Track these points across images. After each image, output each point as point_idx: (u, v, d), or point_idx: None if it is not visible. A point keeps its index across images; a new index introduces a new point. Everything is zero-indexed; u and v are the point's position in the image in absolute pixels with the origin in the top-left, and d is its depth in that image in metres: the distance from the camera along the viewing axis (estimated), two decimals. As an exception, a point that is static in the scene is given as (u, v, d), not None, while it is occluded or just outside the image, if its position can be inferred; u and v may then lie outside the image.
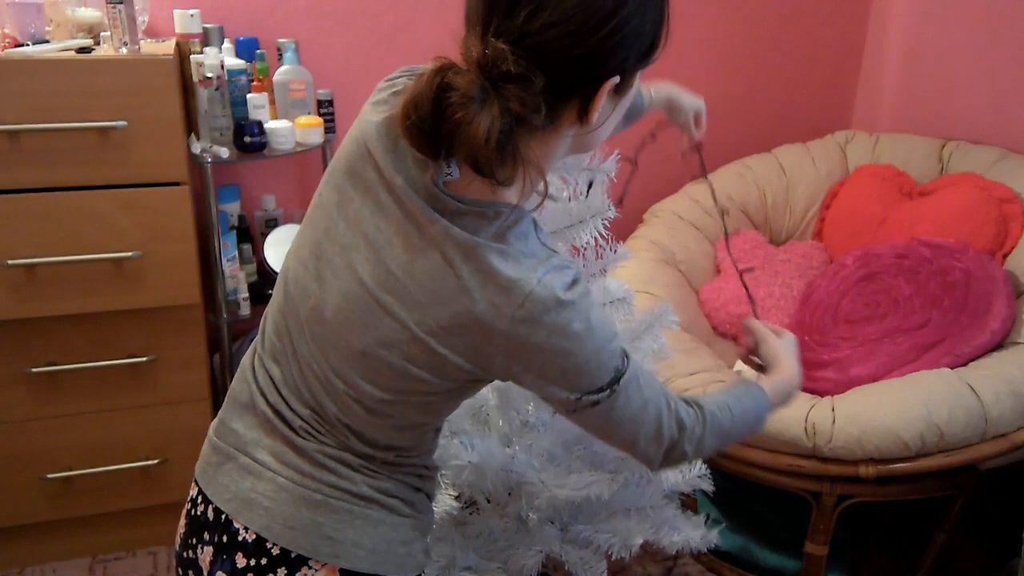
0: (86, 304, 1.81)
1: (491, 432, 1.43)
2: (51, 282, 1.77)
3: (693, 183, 2.45)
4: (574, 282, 0.83)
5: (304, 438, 0.93)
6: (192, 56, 1.91)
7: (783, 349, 1.18)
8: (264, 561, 0.91)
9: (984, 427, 1.66)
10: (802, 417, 1.69)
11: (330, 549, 0.91)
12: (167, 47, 1.85)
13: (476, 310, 0.81)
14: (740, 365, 2.09)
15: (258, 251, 2.23)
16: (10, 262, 1.73)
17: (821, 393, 1.87)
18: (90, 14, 1.86)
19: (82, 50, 1.73)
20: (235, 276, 2.07)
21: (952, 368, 1.79)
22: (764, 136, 2.70)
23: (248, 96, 1.99)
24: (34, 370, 1.84)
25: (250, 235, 2.22)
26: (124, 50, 1.74)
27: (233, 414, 0.98)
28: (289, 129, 2.02)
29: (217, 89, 1.93)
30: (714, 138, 2.68)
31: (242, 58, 2.03)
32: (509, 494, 1.43)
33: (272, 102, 2.08)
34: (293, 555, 0.91)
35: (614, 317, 1.36)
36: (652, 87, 1.32)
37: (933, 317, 1.91)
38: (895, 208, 2.30)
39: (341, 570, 0.92)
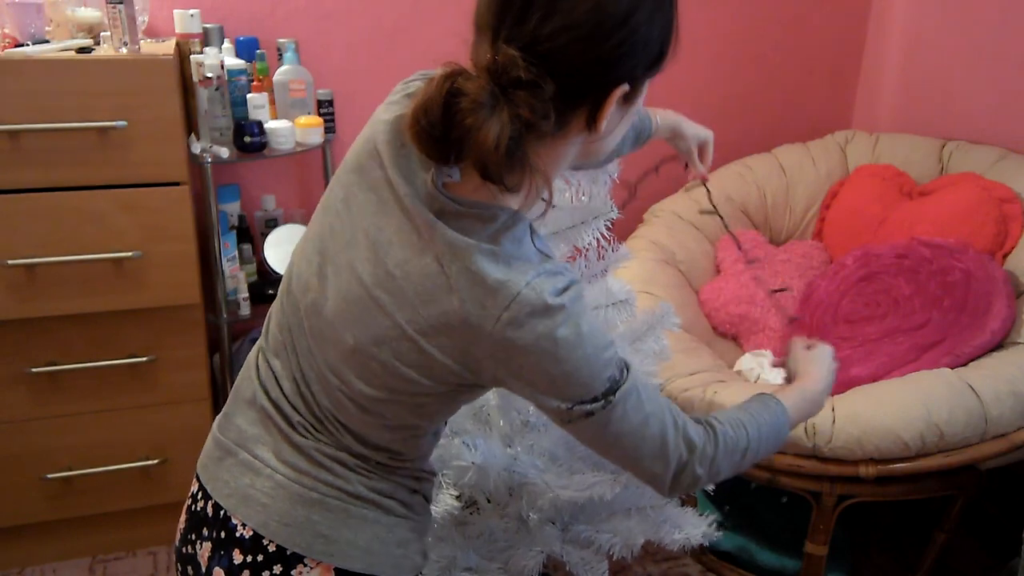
0: (86, 304, 1.81)
1: (492, 432, 1.43)
2: (51, 282, 1.77)
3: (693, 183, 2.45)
4: (566, 288, 0.82)
5: (302, 435, 0.94)
6: (192, 56, 1.91)
7: (811, 360, 1.15)
8: (260, 558, 0.92)
9: (984, 427, 1.66)
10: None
11: (324, 547, 0.92)
12: (167, 47, 1.85)
13: (463, 310, 0.81)
14: (739, 364, 2.09)
15: (258, 251, 2.23)
16: (10, 262, 1.72)
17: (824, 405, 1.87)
18: (90, 14, 1.86)
19: (82, 50, 1.73)
20: (235, 276, 2.07)
21: (952, 368, 1.79)
22: (764, 136, 2.70)
23: (248, 96, 1.99)
24: (34, 370, 1.84)
25: (250, 235, 2.22)
26: (124, 50, 1.74)
27: (236, 409, 0.99)
28: (289, 129, 2.02)
29: (217, 89, 1.93)
30: (714, 138, 2.69)
31: (242, 58, 2.03)
32: (510, 494, 1.43)
33: (272, 102, 2.08)
34: (288, 552, 0.92)
35: (616, 318, 1.36)
36: (659, 114, 1.32)
37: (933, 317, 1.91)
38: (895, 208, 2.30)
39: (336, 569, 0.92)
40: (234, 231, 2.16)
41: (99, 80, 1.68)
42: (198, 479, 1.00)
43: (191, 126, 1.96)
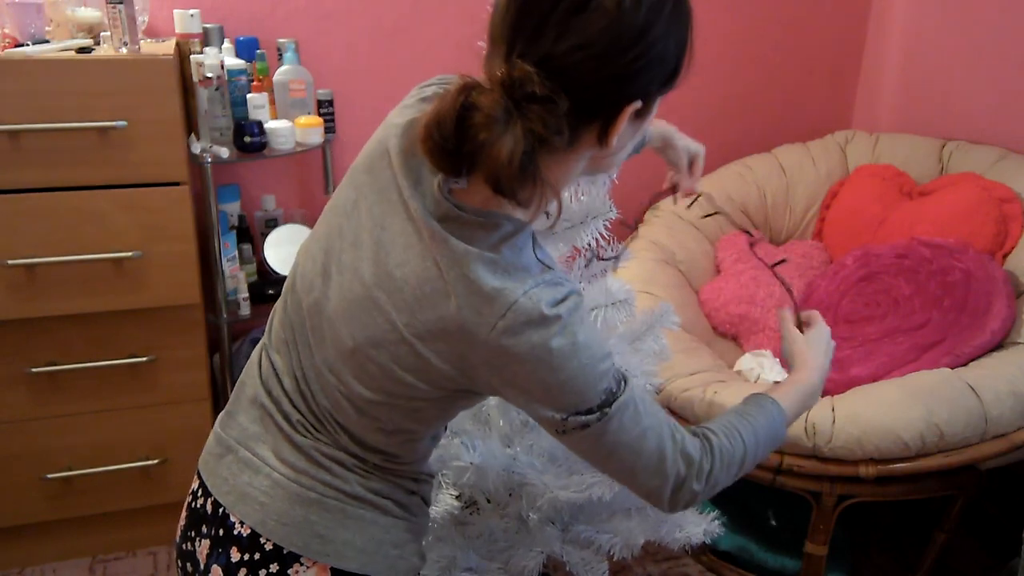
0: (86, 304, 1.81)
1: (492, 432, 1.43)
2: (51, 282, 1.77)
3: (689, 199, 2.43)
4: (564, 299, 0.82)
5: (302, 434, 0.94)
6: (192, 56, 1.91)
7: (807, 346, 1.12)
8: (257, 556, 0.92)
9: (984, 427, 1.66)
10: (802, 417, 1.69)
11: (321, 547, 0.92)
12: (167, 47, 1.85)
13: (460, 316, 0.81)
14: (739, 364, 2.09)
15: (258, 251, 2.23)
16: (10, 262, 1.72)
17: (821, 393, 1.87)
18: (90, 14, 1.86)
19: (82, 50, 1.73)
20: (235, 276, 2.07)
21: (952, 368, 1.79)
22: (764, 136, 2.70)
23: (248, 96, 1.99)
24: (34, 370, 1.84)
25: (250, 235, 2.22)
26: (124, 50, 1.74)
27: (238, 407, 0.99)
28: (289, 129, 2.02)
29: (217, 89, 1.93)
30: (714, 138, 2.69)
31: (242, 58, 2.03)
32: (510, 495, 1.43)
33: (272, 102, 2.08)
34: (285, 551, 0.92)
35: (615, 318, 1.36)
36: (652, 124, 1.31)
37: (933, 317, 1.91)
38: (895, 208, 2.30)
39: (332, 569, 0.93)
40: (234, 231, 2.16)
41: (99, 80, 1.68)
42: (199, 476, 1.00)
43: (191, 126, 1.96)
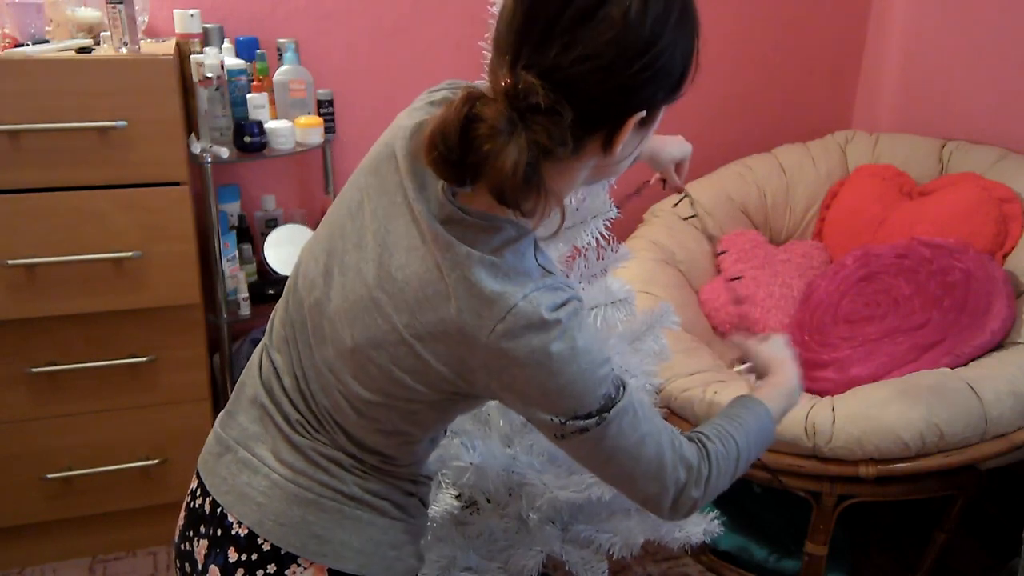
0: (86, 304, 1.81)
1: (492, 432, 1.43)
2: (51, 282, 1.77)
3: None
4: (564, 304, 0.82)
5: (300, 434, 0.94)
6: (192, 56, 1.91)
7: (774, 353, 1.15)
8: (255, 556, 0.92)
9: (984, 427, 1.66)
10: (802, 417, 1.69)
11: (318, 548, 0.92)
12: (167, 47, 1.85)
13: (460, 319, 0.81)
14: (740, 366, 2.09)
15: (258, 251, 2.23)
16: (10, 262, 1.72)
17: (821, 393, 1.87)
18: (90, 14, 1.86)
19: (82, 50, 1.73)
20: (235, 276, 2.07)
21: (952, 368, 1.79)
22: (764, 136, 2.70)
23: (248, 96, 1.99)
24: (34, 370, 1.84)
25: (250, 235, 2.22)
26: (124, 50, 1.74)
27: (238, 407, 0.99)
28: (289, 129, 2.02)
29: (217, 89, 1.93)
30: (714, 138, 2.69)
31: (242, 58, 2.03)
32: (510, 494, 1.43)
33: (272, 102, 2.08)
34: (282, 552, 0.92)
35: (615, 318, 1.36)
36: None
37: (933, 317, 1.91)
38: (895, 208, 2.30)
39: (329, 570, 0.93)
40: (234, 231, 2.16)
41: (99, 80, 1.68)
42: (198, 476, 1.00)
43: (191, 126, 1.96)
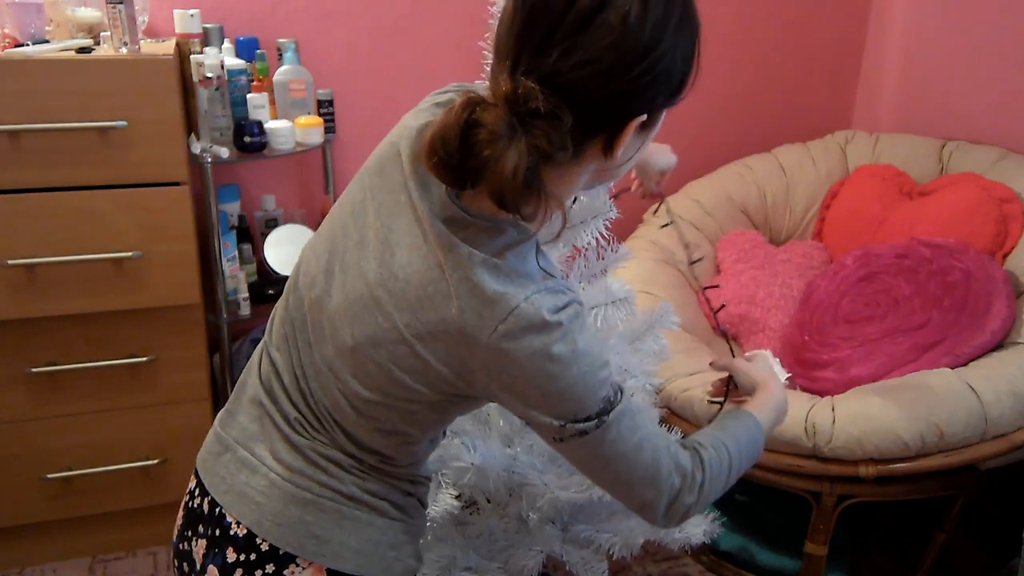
0: (86, 304, 1.81)
1: (492, 433, 1.43)
2: (51, 282, 1.77)
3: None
4: (566, 306, 0.83)
5: (299, 434, 0.94)
6: (192, 56, 1.91)
7: (760, 373, 1.15)
8: (253, 556, 0.92)
9: (984, 427, 1.66)
10: (802, 417, 1.69)
11: (316, 548, 0.92)
12: (167, 47, 1.85)
13: (461, 319, 0.81)
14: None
15: (258, 251, 2.23)
16: (10, 262, 1.72)
17: (821, 393, 1.87)
18: (90, 14, 1.86)
19: (82, 50, 1.73)
20: (235, 276, 2.07)
21: (952, 368, 1.79)
22: (764, 136, 2.70)
23: (248, 96, 1.99)
24: (34, 370, 1.84)
25: (250, 235, 2.22)
26: (124, 50, 1.74)
27: (238, 406, 0.99)
28: (289, 129, 2.02)
29: (217, 89, 1.93)
30: (714, 138, 2.69)
31: (242, 58, 2.03)
32: (510, 495, 1.43)
33: (272, 102, 2.08)
34: (281, 552, 0.92)
35: (615, 317, 1.36)
36: None
37: (933, 317, 1.91)
38: (895, 208, 2.30)
39: (328, 570, 0.93)
40: (234, 231, 2.16)
41: (99, 80, 1.68)
42: (196, 475, 1.00)
43: (191, 126, 1.96)
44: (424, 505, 1.05)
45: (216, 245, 1.99)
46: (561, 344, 0.81)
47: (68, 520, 2.03)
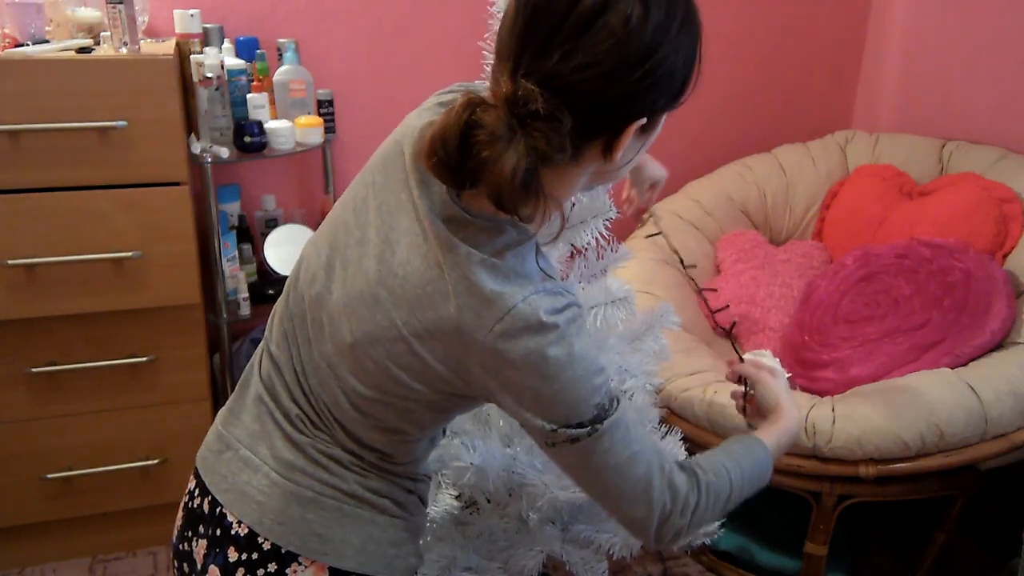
0: (86, 304, 1.81)
1: (492, 433, 1.43)
2: (51, 282, 1.77)
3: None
4: (564, 308, 0.83)
5: (300, 432, 0.94)
6: (192, 56, 1.91)
7: (780, 390, 1.13)
8: (255, 556, 0.92)
9: (984, 427, 1.66)
10: (802, 417, 1.69)
11: (318, 546, 0.92)
12: (167, 47, 1.85)
13: (459, 318, 0.81)
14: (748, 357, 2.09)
15: (258, 251, 2.23)
16: (10, 262, 1.72)
17: (821, 393, 1.87)
18: (90, 14, 1.86)
19: (82, 50, 1.73)
20: (235, 276, 2.07)
21: (952, 368, 1.79)
22: (764, 136, 2.70)
23: (248, 96, 1.99)
24: (34, 370, 1.84)
25: (250, 235, 2.22)
26: (124, 50, 1.74)
27: (241, 404, 1.00)
28: (289, 129, 2.02)
29: (217, 89, 1.93)
30: (714, 138, 2.69)
31: (242, 58, 2.03)
32: (510, 495, 1.43)
33: (272, 102, 2.08)
34: (283, 551, 0.92)
35: (615, 317, 1.36)
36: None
37: (933, 317, 1.91)
38: (895, 208, 2.30)
39: (330, 568, 0.93)
40: (234, 231, 2.16)
41: (99, 80, 1.68)
42: (196, 475, 1.00)
43: (191, 126, 1.96)
44: (425, 503, 1.05)
45: (216, 245, 1.99)
46: (557, 346, 0.81)
47: (68, 520, 2.03)
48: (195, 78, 1.89)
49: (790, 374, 2.08)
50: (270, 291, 2.14)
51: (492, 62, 0.83)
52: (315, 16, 2.20)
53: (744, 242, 2.39)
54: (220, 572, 0.94)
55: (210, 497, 0.96)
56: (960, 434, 1.65)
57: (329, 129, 2.16)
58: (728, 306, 2.21)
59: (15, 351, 1.83)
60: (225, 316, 2.04)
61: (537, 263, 0.85)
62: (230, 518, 0.94)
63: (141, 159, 1.75)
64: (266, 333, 1.01)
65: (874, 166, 2.45)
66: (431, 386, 0.87)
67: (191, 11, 1.96)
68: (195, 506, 0.99)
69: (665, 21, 0.77)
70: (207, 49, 1.97)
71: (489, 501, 1.47)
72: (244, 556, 0.93)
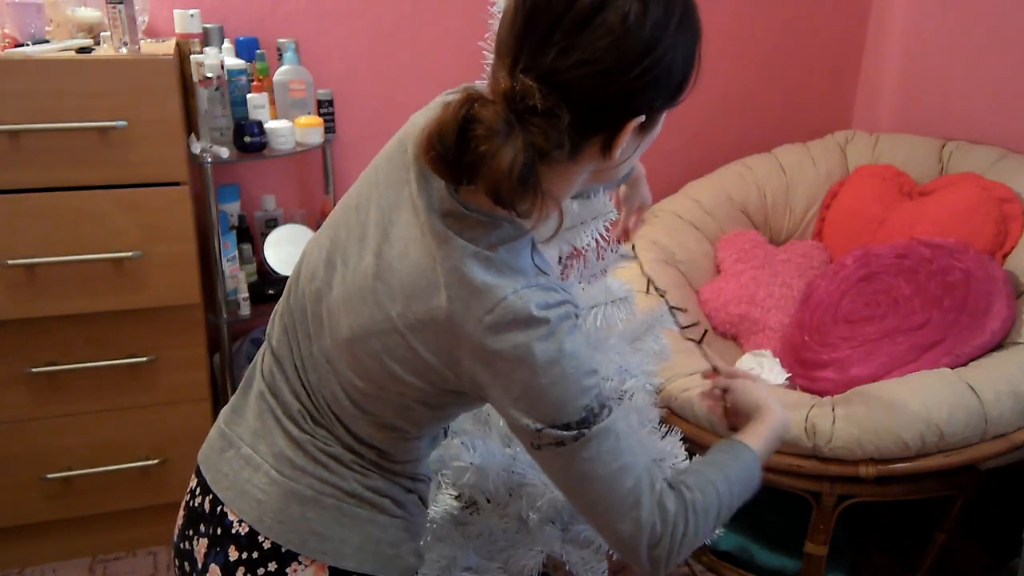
0: (86, 304, 1.81)
1: (492, 432, 1.43)
2: (51, 282, 1.77)
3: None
4: (557, 305, 0.82)
5: (301, 429, 0.95)
6: (192, 56, 1.91)
7: (760, 395, 1.09)
8: (255, 555, 0.92)
9: (984, 427, 1.66)
10: (802, 417, 1.69)
11: (318, 545, 0.92)
12: (167, 47, 1.85)
13: (449, 309, 0.81)
14: (739, 364, 2.09)
15: (258, 251, 2.23)
16: (10, 262, 1.72)
17: (821, 393, 1.87)
18: (90, 14, 1.86)
19: (82, 50, 1.73)
20: (235, 276, 2.07)
21: (952, 368, 1.79)
22: (764, 136, 2.70)
23: (248, 96, 1.99)
24: (34, 370, 1.84)
25: (250, 235, 2.22)
26: (124, 50, 1.74)
27: (243, 402, 1.00)
28: (289, 129, 2.02)
29: (217, 89, 1.93)
30: (714, 138, 2.69)
31: (242, 58, 2.03)
32: (510, 494, 1.42)
33: (272, 102, 2.08)
34: (283, 550, 0.92)
35: (615, 316, 1.36)
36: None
37: (933, 317, 1.91)
38: (895, 208, 2.30)
39: (330, 568, 0.93)
40: (234, 231, 2.16)
41: (99, 80, 1.68)
42: (198, 473, 1.01)
43: (191, 126, 1.96)
44: (425, 503, 1.05)
45: (216, 245, 1.99)
46: (545, 342, 0.81)
47: (68, 520, 2.03)
48: (195, 78, 1.89)
49: (790, 374, 2.09)
50: (270, 291, 2.14)
51: (491, 60, 0.83)
52: (315, 16, 2.20)
53: (744, 242, 2.39)
54: (221, 571, 0.94)
55: (211, 496, 0.96)
56: (960, 434, 1.65)
57: (329, 129, 2.16)
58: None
59: (15, 351, 1.83)
60: (225, 316, 2.04)
61: (532, 259, 0.85)
62: (231, 517, 0.94)
63: (141, 159, 1.75)
64: (268, 330, 1.01)
65: (874, 166, 2.45)
66: (424, 380, 0.87)
67: (191, 11, 1.96)
68: (196, 505, 0.99)
69: (663, 18, 0.77)
70: (207, 49, 1.97)
71: (489, 501, 1.47)
72: (245, 555, 0.93)
